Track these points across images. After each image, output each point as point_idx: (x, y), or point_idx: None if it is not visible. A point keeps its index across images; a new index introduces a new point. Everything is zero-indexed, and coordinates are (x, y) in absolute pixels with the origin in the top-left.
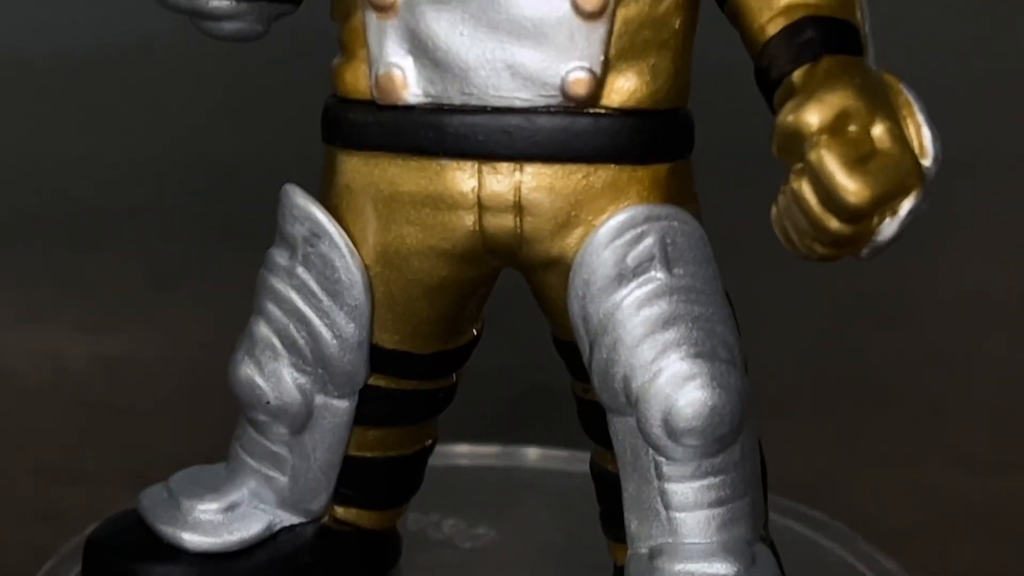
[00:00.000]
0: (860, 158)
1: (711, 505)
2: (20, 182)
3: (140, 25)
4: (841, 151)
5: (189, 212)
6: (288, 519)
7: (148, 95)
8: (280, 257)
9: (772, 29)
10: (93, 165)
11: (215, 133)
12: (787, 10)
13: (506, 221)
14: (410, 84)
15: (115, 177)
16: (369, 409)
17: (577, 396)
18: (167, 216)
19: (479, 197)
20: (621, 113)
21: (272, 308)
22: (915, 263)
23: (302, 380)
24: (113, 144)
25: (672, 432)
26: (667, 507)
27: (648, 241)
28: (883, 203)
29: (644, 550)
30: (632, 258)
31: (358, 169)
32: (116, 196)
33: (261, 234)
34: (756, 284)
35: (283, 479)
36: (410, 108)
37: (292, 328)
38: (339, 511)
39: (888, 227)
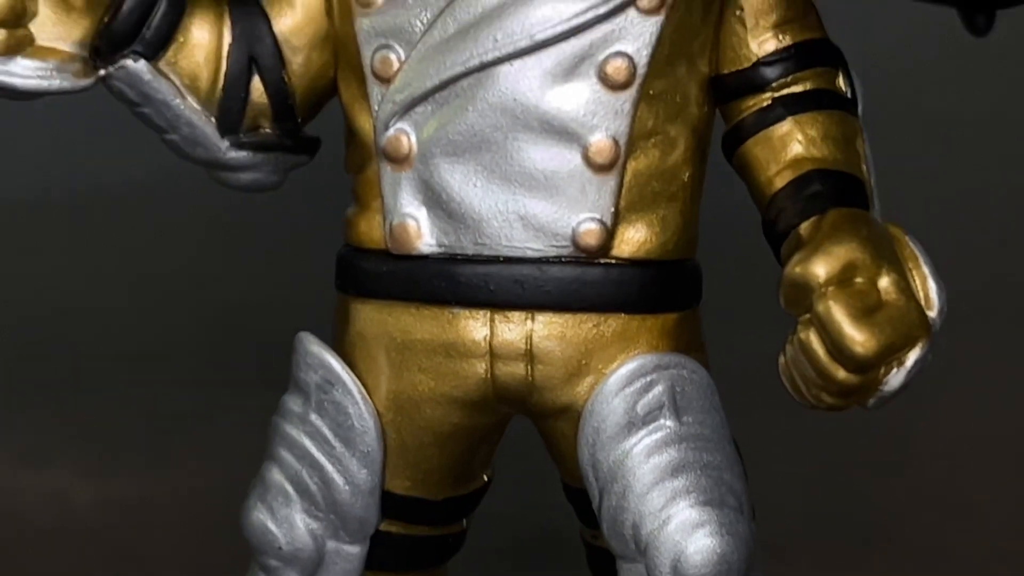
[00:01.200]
0: (867, 309)
1: None
2: (26, 326)
3: (146, 167)
4: (848, 302)
5: (197, 356)
6: None
7: (156, 238)
8: (294, 404)
9: (780, 182)
10: (100, 308)
11: (224, 277)
12: (794, 163)
13: (517, 369)
14: (424, 234)
15: (123, 320)
16: (380, 554)
17: (586, 542)
18: (175, 360)
19: (491, 345)
20: (631, 263)
21: (285, 454)
22: (917, 409)
23: (314, 526)
24: (119, 287)
25: None
26: None
27: (657, 389)
28: (890, 354)
29: None
30: (642, 406)
31: (372, 317)
32: (123, 340)
33: (270, 379)
34: (760, 430)
35: None
36: (424, 258)
37: (305, 474)
38: None
39: (895, 378)
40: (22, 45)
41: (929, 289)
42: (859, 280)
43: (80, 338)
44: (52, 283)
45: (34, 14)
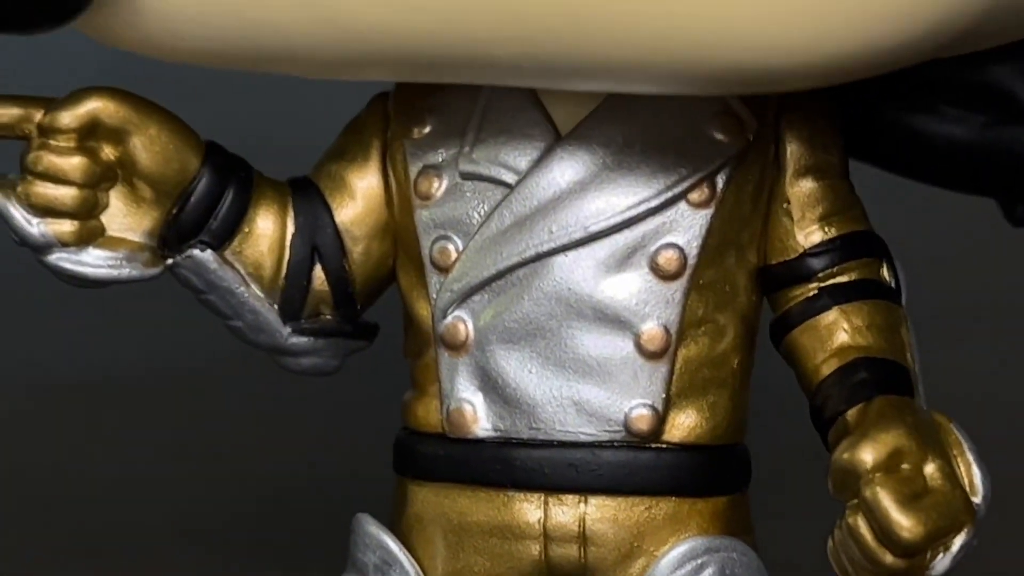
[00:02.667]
0: (913, 496)
1: None
2: (59, 506)
3: (204, 347)
4: (895, 489)
5: (254, 534)
6: None
7: (212, 414)
8: None
9: (826, 369)
10: (156, 479)
11: (281, 457)
12: (840, 351)
13: (571, 551)
14: (480, 419)
15: (182, 493)
16: None
17: None
18: (231, 536)
19: (545, 528)
20: (682, 448)
21: None
22: None
23: None
24: (173, 461)
25: None
26: None
27: (708, 572)
28: (936, 539)
29: None
30: None
31: (429, 500)
32: (182, 514)
33: (327, 559)
34: None
35: None
36: (480, 442)
37: None
38: None
39: (941, 562)
40: (94, 235)
41: (974, 475)
42: (905, 466)
43: (135, 510)
44: (83, 461)
45: (105, 206)
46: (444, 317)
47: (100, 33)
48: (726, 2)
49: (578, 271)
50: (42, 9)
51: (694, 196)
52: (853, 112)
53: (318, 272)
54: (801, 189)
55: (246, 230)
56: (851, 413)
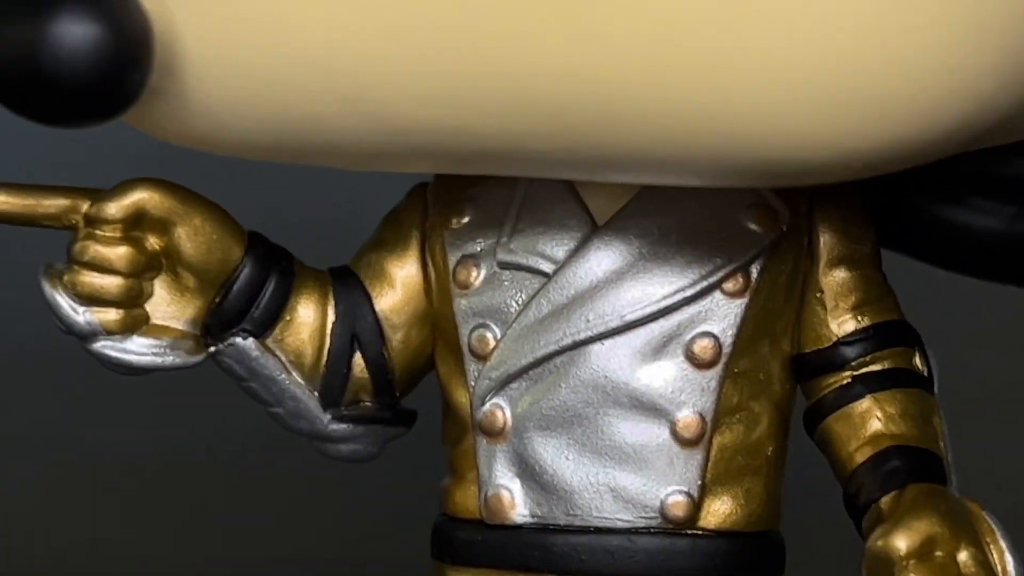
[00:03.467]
0: None
1: None
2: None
3: (244, 432)
4: None
5: None
6: None
7: (254, 500)
8: None
9: (860, 457)
10: (177, 568)
11: (316, 543)
12: (874, 439)
13: None
14: (517, 505)
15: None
16: None
17: None
18: None
19: None
20: (717, 535)
21: None
22: None
23: None
24: (221, 545)
25: None
26: None
27: None
28: None
29: None
30: None
31: None
32: None
33: None
34: None
35: None
36: (517, 528)
37: None
38: None
39: None
40: (138, 323)
41: (1006, 563)
42: (939, 554)
43: None
44: (156, 542)
45: (150, 294)
46: (482, 404)
47: (146, 125)
48: (758, 98)
49: (614, 359)
50: (91, 104)
51: (729, 286)
52: (884, 203)
53: (358, 360)
54: (834, 279)
55: (287, 318)
56: (885, 500)
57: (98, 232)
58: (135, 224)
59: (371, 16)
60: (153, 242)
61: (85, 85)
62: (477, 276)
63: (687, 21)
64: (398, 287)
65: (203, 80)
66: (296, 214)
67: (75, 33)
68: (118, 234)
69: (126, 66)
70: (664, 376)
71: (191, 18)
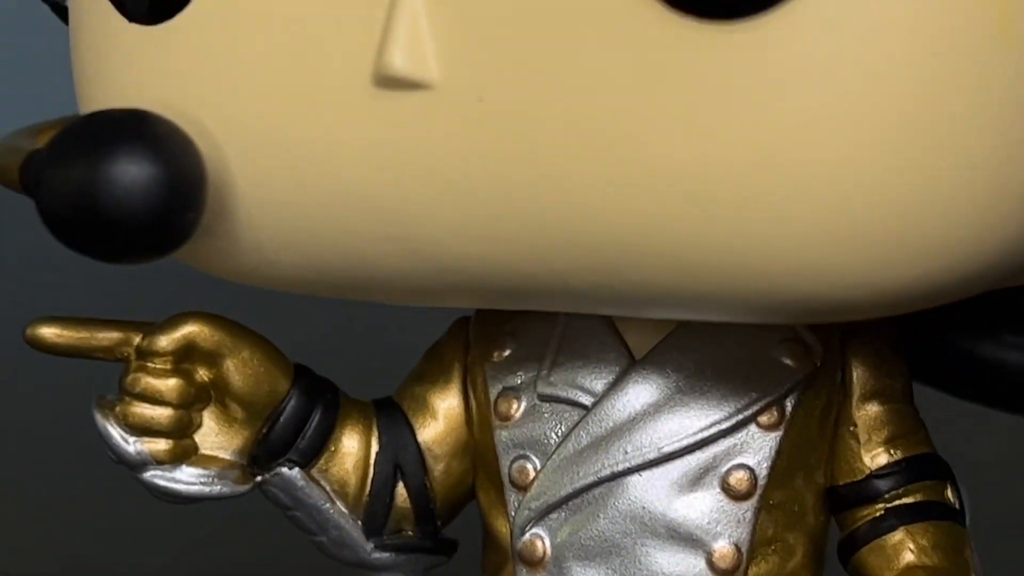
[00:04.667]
0: None
1: None
2: None
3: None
4: None
5: None
6: None
7: None
8: None
9: None
10: None
11: None
12: (906, 572)
13: None
14: None
15: None
16: None
17: None
18: None
19: None
20: None
21: None
22: None
23: None
24: None
25: None
26: None
27: None
28: None
29: None
30: None
31: None
32: None
33: None
34: None
35: None
36: None
37: None
38: None
39: None
40: (187, 453)
41: None
42: None
43: None
44: None
45: (199, 425)
46: (522, 534)
47: (196, 261)
48: (792, 239)
49: (652, 490)
50: (146, 242)
51: (764, 419)
52: (917, 338)
53: (401, 490)
54: (867, 413)
55: (332, 449)
56: None
57: (149, 364)
58: (185, 356)
59: (415, 158)
60: (202, 374)
61: (140, 224)
62: (518, 408)
63: (722, 166)
64: (440, 419)
65: (253, 219)
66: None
67: (131, 174)
68: (169, 366)
69: (180, 206)
70: (700, 507)
71: (243, 159)
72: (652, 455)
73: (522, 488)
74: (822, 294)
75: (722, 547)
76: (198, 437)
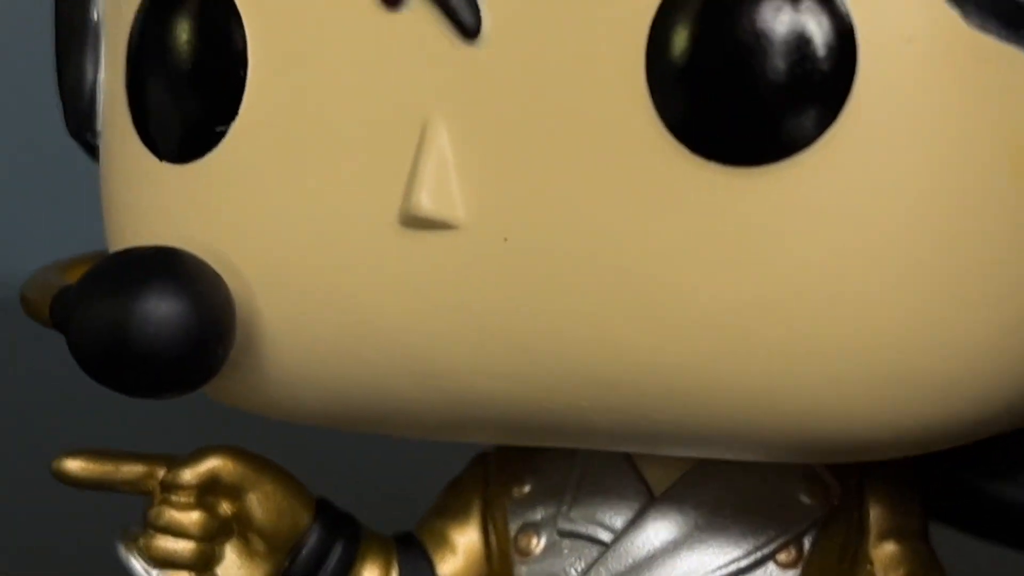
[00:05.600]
0: None
1: None
2: None
3: None
4: None
5: None
6: None
7: None
8: None
9: None
10: None
11: None
12: None
13: None
14: None
15: None
16: None
17: None
18: None
19: None
20: None
21: None
22: None
23: None
24: None
25: None
26: None
27: None
28: None
29: None
30: None
31: None
32: None
33: None
34: None
35: None
36: None
37: None
38: None
39: None
40: None
41: None
42: None
43: None
44: None
45: (221, 558)
46: None
47: (222, 396)
48: (811, 379)
49: None
50: (175, 377)
51: (782, 556)
52: (934, 477)
53: None
54: (884, 551)
55: None
56: None
57: (173, 498)
58: (209, 490)
59: (440, 296)
60: (225, 508)
61: (170, 360)
62: (538, 544)
63: (743, 307)
64: (460, 553)
65: (280, 354)
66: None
67: (162, 311)
68: (192, 500)
69: (209, 342)
70: None
71: (270, 295)
72: None
73: None
74: (842, 435)
75: None
76: (220, 570)
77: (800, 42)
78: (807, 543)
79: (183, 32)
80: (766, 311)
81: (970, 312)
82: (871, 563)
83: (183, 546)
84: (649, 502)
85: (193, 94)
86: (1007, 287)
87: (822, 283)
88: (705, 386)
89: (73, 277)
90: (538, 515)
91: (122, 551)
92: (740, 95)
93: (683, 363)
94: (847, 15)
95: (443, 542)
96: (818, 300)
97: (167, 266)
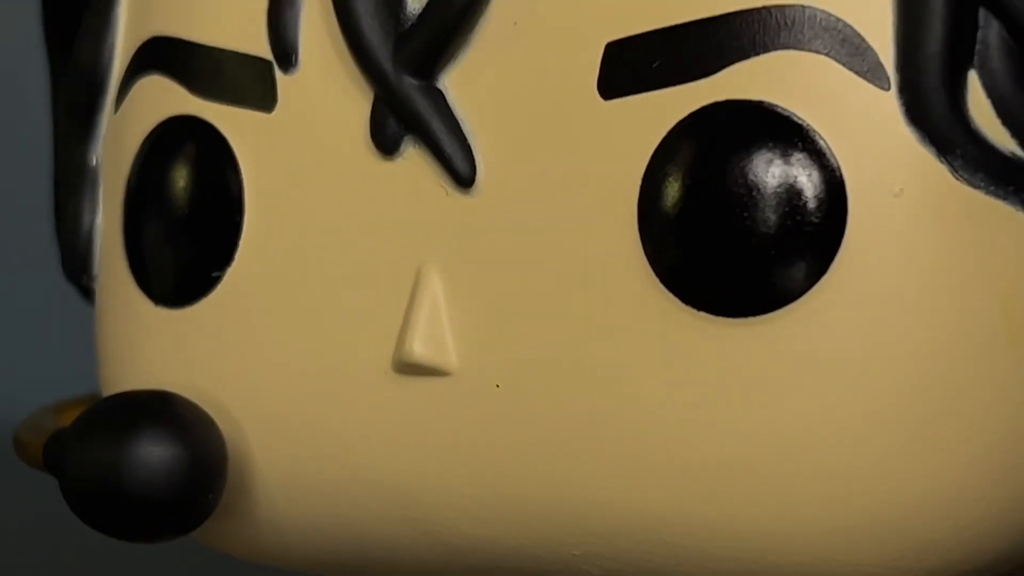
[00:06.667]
0: None
1: None
2: None
3: None
4: None
5: None
6: None
7: None
8: None
9: None
10: None
11: None
12: None
13: None
14: None
15: None
16: None
17: None
18: None
19: None
20: None
21: None
22: None
23: None
24: None
25: None
26: None
27: None
28: None
29: None
30: None
31: None
32: None
33: None
34: None
35: None
36: None
37: None
38: None
39: None
40: None
41: None
42: None
43: None
44: None
45: None
46: None
47: (213, 540)
48: (807, 528)
49: None
50: (167, 521)
51: None
52: None
53: None
54: None
55: None
56: None
57: None
58: None
59: (433, 442)
60: None
61: (163, 505)
62: None
63: (733, 457)
64: None
65: (271, 499)
66: None
67: (155, 455)
68: None
69: (203, 487)
70: None
71: (263, 441)
72: None
73: None
74: None
75: None
76: None
77: (791, 194)
78: None
79: (181, 178)
80: (757, 461)
81: (960, 467)
82: None
83: None
84: None
85: (189, 239)
86: (997, 441)
87: (811, 435)
88: (698, 536)
89: (66, 420)
90: None
91: None
92: (730, 247)
93: (674, 512)
94: (837, 168)
95: None
96: (807, 452)
97: (160, 411)
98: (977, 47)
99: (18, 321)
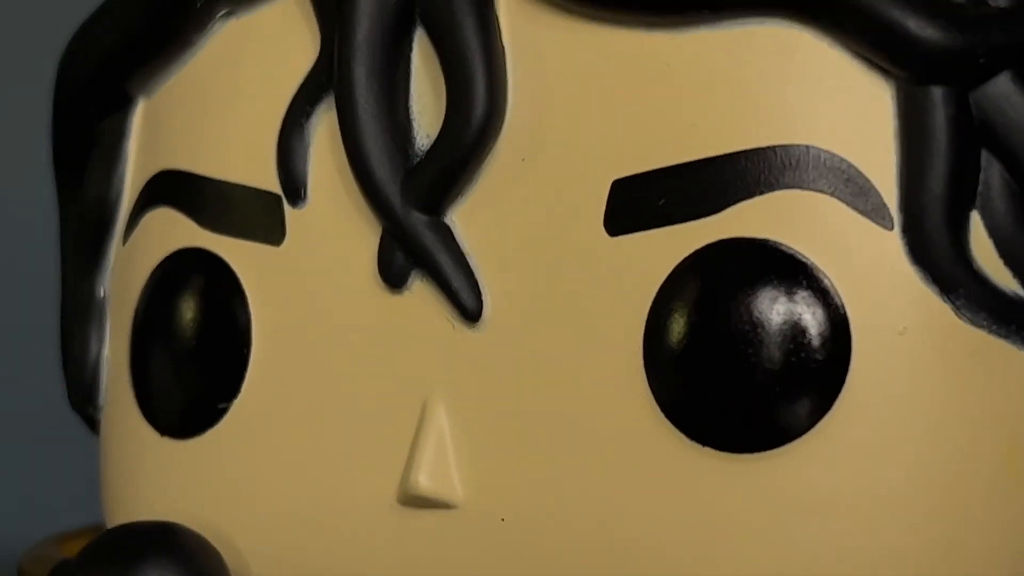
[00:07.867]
0: None
1: None
2: None
3: None
4: None
5: None
6: None
7: None
8: None
9: None
10: None
11: None
12: None
13: None
14: None
15: None
16: None
17: None
18: None
19: None
20: None
21: None
22: None
23: None
24: None
25: None
26: None
27: None
28: None
29: None
30: None
31: None
32: None
33: None
34: None
35: None
36: None
37: None
38: None
39: None
40: None
41: None
42: None
43: None
44: None
45: None
46: None
47: None
48: None
49: None
50: None
51: None
52: None
53: None
54: None
55: None
56: None
57: None
58: None
59: (435, 574)
60: None
61: None
62: None
63: None
64: None
65: None
66: None
67: None
68: None
69: None
70: None
71: (268, 572)
72: None
73: None
74: None
75: None
76: None
77: (795, 332)
78: None
79: (188, 310)
80: None
81: None
82: None
83: None
84: None
85: (196, 371)
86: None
87: (813, 574)
88: None
89: (71, 551)
90: None
91: None
92: (735, 383)
93: None
94: (841, 306)
95: None
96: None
97: (165, 542)
98: (979, 188)
99: (22, 449)
